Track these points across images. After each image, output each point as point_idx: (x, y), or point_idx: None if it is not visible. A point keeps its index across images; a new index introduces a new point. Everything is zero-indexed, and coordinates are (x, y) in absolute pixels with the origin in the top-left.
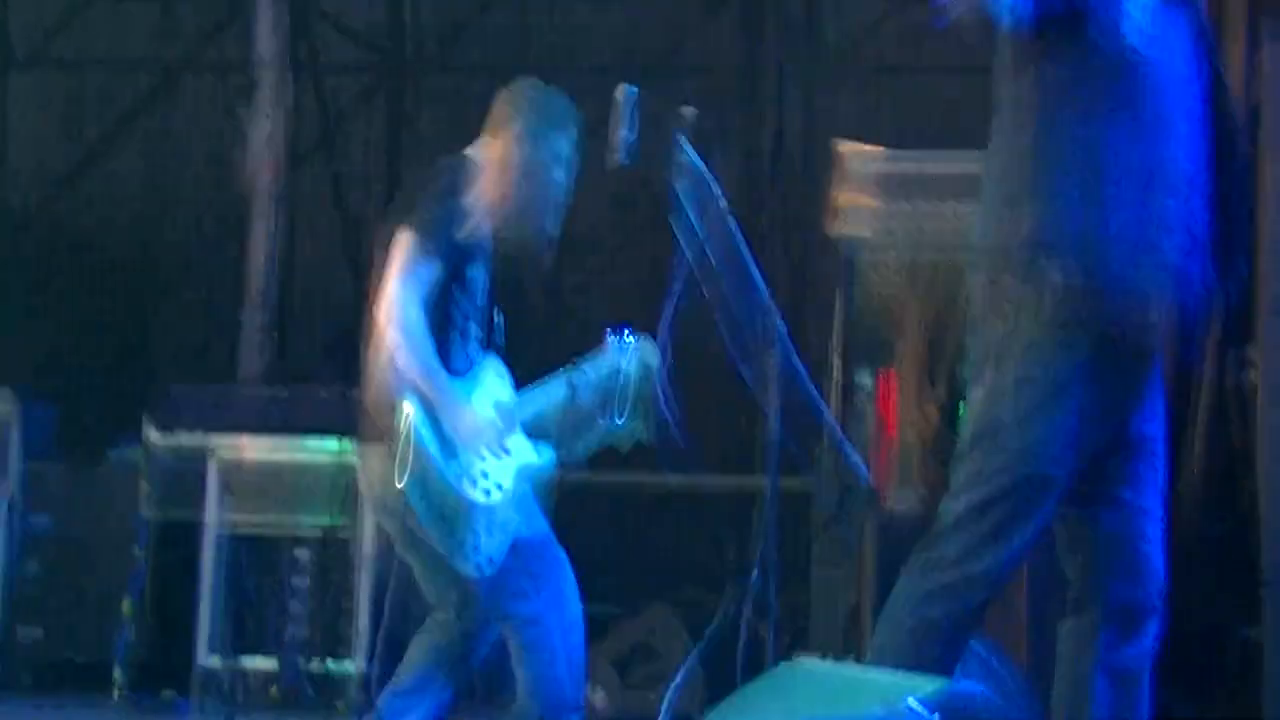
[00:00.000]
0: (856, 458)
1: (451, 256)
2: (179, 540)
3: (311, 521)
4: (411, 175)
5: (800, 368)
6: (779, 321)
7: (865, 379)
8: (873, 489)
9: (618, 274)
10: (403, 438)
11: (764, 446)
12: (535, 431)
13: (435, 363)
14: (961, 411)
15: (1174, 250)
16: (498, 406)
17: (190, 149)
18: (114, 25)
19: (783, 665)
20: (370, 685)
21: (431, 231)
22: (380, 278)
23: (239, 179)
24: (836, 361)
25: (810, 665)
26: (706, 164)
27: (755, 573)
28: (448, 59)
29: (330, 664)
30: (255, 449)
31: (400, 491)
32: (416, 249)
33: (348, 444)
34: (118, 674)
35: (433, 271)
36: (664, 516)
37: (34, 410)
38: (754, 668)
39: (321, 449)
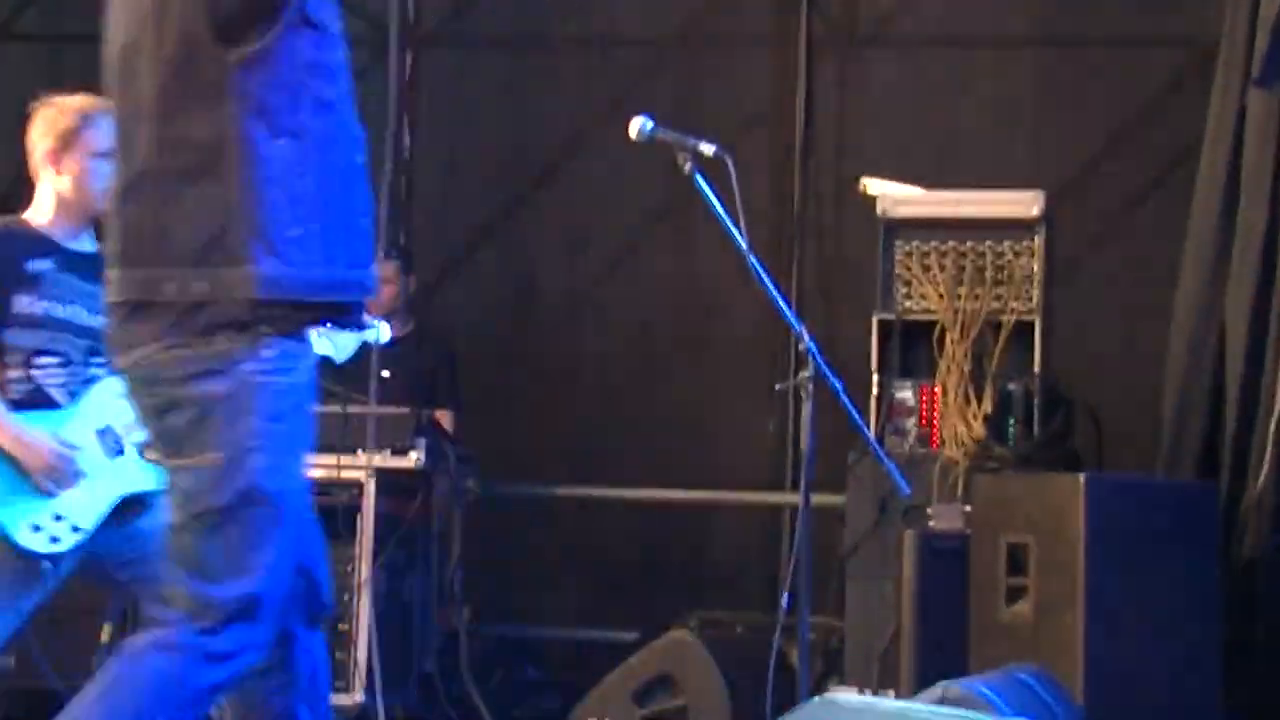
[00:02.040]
0: (896, 472)
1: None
2: None
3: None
4: (414, 156)
5: (836, 382)
6: (810, 343)
7: (905, 393)
8: (913, 504)
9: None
10: None
11: (797, 461)
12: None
13: None
14: (1009, 424)
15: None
16: (97, 433)
17: None
18: None
19: (816, 702)
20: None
21: None
22: None
23: None
24: (874, 375)
25: (846, 701)
26: (727, 200)
27: (785, 595)
28: (453, 32)
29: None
30: None
31: None
32: None
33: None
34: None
35: None
36: (687, 534)
37: None
38: (785, 701)
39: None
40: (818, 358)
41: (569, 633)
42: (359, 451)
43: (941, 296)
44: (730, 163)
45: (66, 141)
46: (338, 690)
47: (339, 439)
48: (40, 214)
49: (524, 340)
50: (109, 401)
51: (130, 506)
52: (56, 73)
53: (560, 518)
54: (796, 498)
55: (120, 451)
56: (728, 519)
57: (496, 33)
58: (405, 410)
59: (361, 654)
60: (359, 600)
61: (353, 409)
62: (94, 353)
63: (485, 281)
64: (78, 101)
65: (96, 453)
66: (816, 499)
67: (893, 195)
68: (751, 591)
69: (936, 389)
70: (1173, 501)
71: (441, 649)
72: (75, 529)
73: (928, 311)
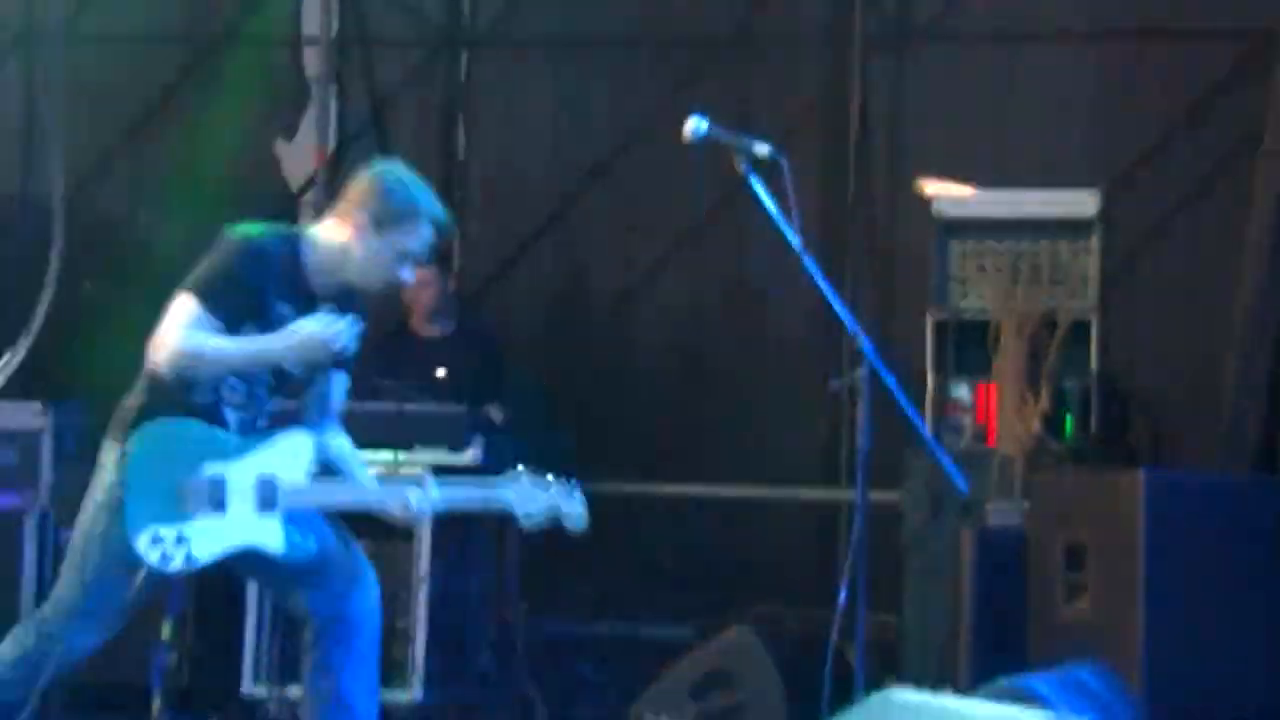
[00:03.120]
0: (953, 469)
1: (229, 325)
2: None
3: (364, 539)
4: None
5: (892, 380)
6: (865, 340)
7: (962, 390)
8: (970, 501)
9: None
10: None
11: (851, 458)
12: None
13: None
14: (1067, 421)
15: None
16: (259, 479)
17: (230, 133)
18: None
19: (875, 697)
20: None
21: (210, 298)
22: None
23: (284, 165)
24: (931, 373)
25: (905, 697)
26: (782, 200)
27: (842, 591)
28: (506, 33)
29: (385, 693)
30: None
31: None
32: (195, 310)
33: (404, 457)
34: (156, 700)
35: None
36: (742, 531)
37: (68, 417)
38: (842, 698)
39: (376, 463)
40: (873, 355)
41: (625, 629)
42: (414, 448)
43: (997, 295)
44: (784, 163)
45: (383, 224)
46: (394, 687)
47: (394, 436)
48: (314, 251)
49: (576, 338)
50: (286, 454)
51: (246, 559)
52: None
53: (615, 515)
54: (852, 494)
55: (272, 506)
56: (782, 516)
57: (548, 32)
58: (462, 407)
59: (418, 651)
60: (415, 598)
61: (409, 407)
62: (275, 394)
63: (538, 280)
64: (427, 191)
65: (249, 497)
66: (872, 496)
67: (948, 195)
68: (807, 588)
69: (993, 387)
70: (1231, 497)
71: (497, 645)
72: (189, 558)
73: (983, 310)
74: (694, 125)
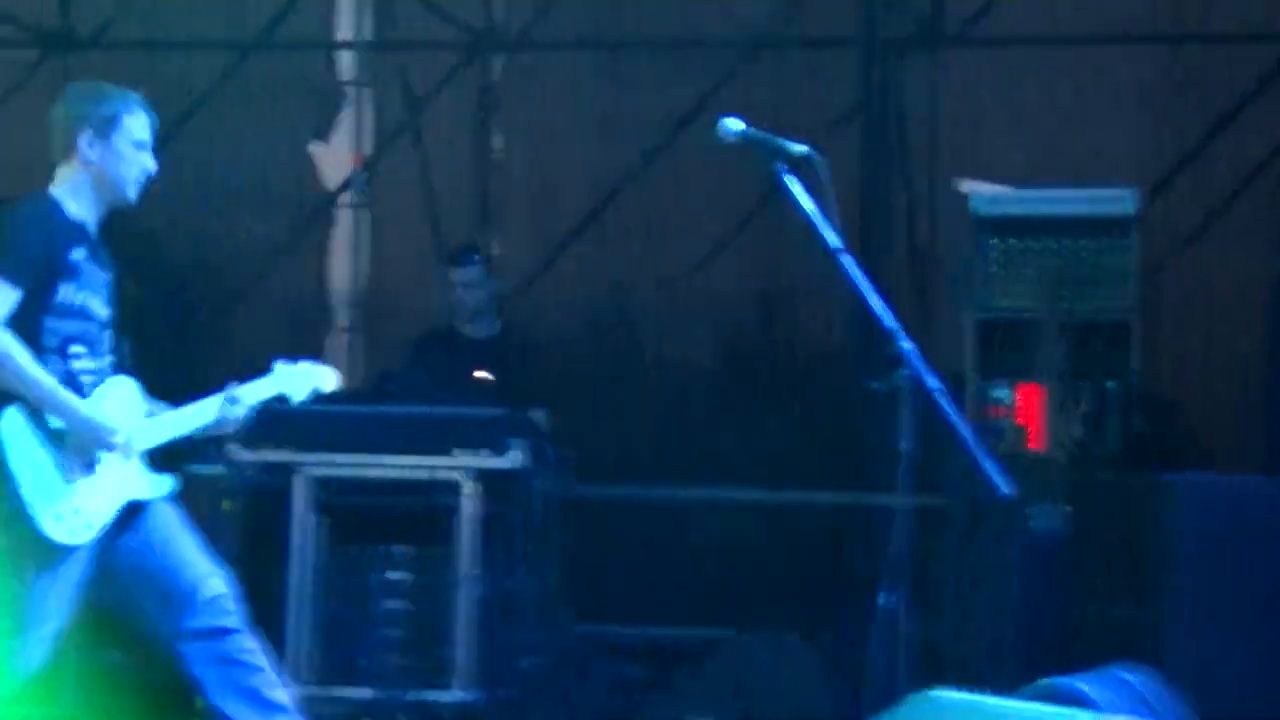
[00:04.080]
0: (995, 471)
1: (35, 283)
2: (264, 561)
3: (407, 541)
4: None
5: (934, 381)
6: (906, 343)
7: (1002, 392)
8: (1013, 503)
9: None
10: None
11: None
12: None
13: (39, 367)
14: (1107, 423)
15: None
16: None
17: (265, 138)
18: (180, 4)
19: (916, 697)
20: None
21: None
22: None
23: (320, 169)
24: (970, 375)
25: (947, 697)
26: (818, 201)
27: (883, 594)
28: (539, 35)
29: (429, 694)
30: (346, 466)
31: None
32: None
33: (443, 461)
34: (200, 702)
35: (11, 298)
36: (783, 534)
37: None
38: (884, 699)
39: (415, 466)
40: (914, 357)
41: (670, 632)
42: (455, 452)
43: (1037, 295)
44: (820, 163)
45: (107, 126)
46: (438, 688)
47: (433, 439)
48: (71, 197)
49: (616, 339)
50: (120, 401)
51: (133, 513)
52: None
53: (657, 517)
54: (893, 498)
55: (128, 455)
56: (824, 519)
57: (581, 35)
58: (503, 410)
59: (464, 652)
60: (459, 599)
61: (449, 410)
62: (107, 342)
63: (575, 282)
64: (117, 89)
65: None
66: (914, 500)
67: (985, 193)
68: (847, 591)
69: (1033, 388)
70: (1273, 501)
71: (543, 647)
72: (89, 525)
73: (1023, 310)
74: (727, 126)
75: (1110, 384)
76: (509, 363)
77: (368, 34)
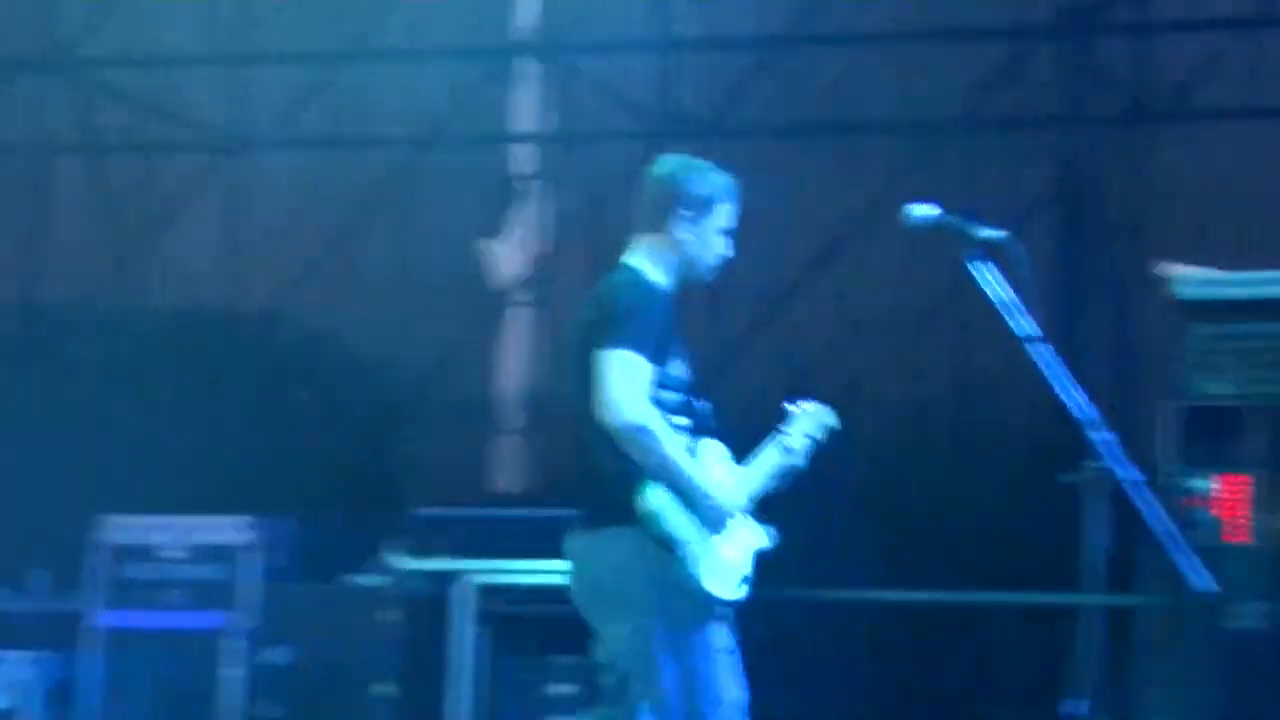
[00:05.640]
0: (1195, 565)
1: (655, 357)
2: (428, 672)
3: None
4: None
5: (1130, 473)
6: (1104, 433)
7: (1205, 483)
8: (1214, 601)
9: None
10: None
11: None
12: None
13: (681, 450)
14: None
15: None
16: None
17: (440, 235)
18: (357, 99)
19: None
20: None
21: (639, 339)
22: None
23: (494, 269)
24: (1173, 465)
25: None
26: (1016, 287)
27: (1073, 703)
28: (724, 121)
29: None
30: (513, 573)
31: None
32: (629, 356)
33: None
34: None
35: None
36: (965, 639)
37: (278, 532)
38: None
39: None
40: (1109, 447)
41: None
42: None
43: (1243, 381)
44: (1016, 249)
45: (701, 208)
46: None
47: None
48: (651, 266)
49: None
50: (719, 461)
51: None
52: None
53: (842, 620)
54: (1085, 598)
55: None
56: (1009, 622)
57: (768, 121)
58: None
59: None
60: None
61: None
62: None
63: (757, 374)
64: (714, 170)
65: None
66: (1107, 599)
67: (1190, 276)
68: (1037, 702)
69: (1239, 479)
70: None
71: None
72: (743, 579)
73: (1228, 397)
74: (917, 212)
75: None
76: None
77: (550, 124)
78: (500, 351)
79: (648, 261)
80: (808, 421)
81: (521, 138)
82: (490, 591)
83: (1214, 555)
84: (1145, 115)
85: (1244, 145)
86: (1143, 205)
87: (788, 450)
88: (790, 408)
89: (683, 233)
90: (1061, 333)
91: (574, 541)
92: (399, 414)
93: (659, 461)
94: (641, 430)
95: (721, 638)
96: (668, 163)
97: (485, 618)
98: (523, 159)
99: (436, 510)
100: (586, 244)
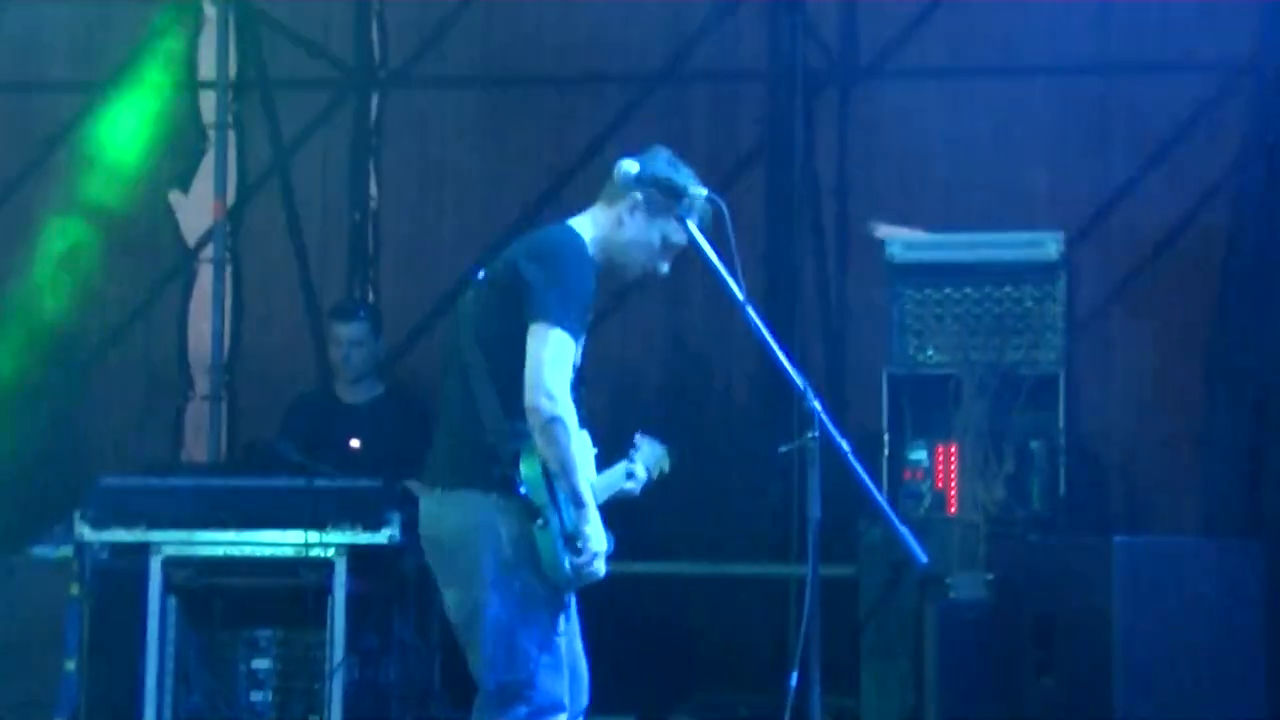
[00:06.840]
0: (911, 539)
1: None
2: (116, 647)
3: (271, 625)
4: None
5: (844, 443)
6: (815, 403)
7: (919, 453)
8: (931, 574)
9: None
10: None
11: (803, 529)
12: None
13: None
14: (1032, 484)
15: None
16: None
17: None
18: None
19: None
20: None
21: (575, 320)
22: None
23: (180, 219)
24: (886, 434)
25: None
26: (722, 250)
27: (793, 673)
28: (420, 72)
29: None
30: (204, 545)
31: None
32: (565, 340)
33: (315, 537)
34: None
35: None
36: (685, 610)
37: None
38: None
39: (282, 543)
40: (824, 417)
41: None
42: (328, 528)
43: (955, 348)
44: (724, 209)
45: (657, 209)
46: None
47: (305, 514)
48: (594, 246)
49: None
50: (588, 461)
51: None
52: None
53: None
54: (804, 568)
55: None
56: (729, 592)
57: (466, 72)
58: (377, 483)
59: None
60: (330, 689)
61: (320, 482)
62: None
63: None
64: (696, 183)
65: None
66: (826, 570)
67: (898, 239)
68: (756, 671)
69: (953, 448)
70: (1212, 563)
71: None
72: (593, 574)
73: (941, 364)
74: (625, 167)
75: (1035, 444)
76: (394, 429)
77: (232, 73)
78: (192, 312)
79: (591, 230)
80: (650, 456)
81: (205, 85)
82: (180, 563)
83: (931, 527)
84: (852, 73)
85: (948, 105)
86: (849, 166)
87: (631, 475)
88: (640, 440)
89: (630, 215)
90: (771, 297)
91: (426, 499)
92: (88, 378)
93: (559, 455)
94: (559, 422)
95: (559, 620)
96: (660, 153)
97: (176, 590)
98: (209, 108)
99: (123, 479)
100: (273, 198)
